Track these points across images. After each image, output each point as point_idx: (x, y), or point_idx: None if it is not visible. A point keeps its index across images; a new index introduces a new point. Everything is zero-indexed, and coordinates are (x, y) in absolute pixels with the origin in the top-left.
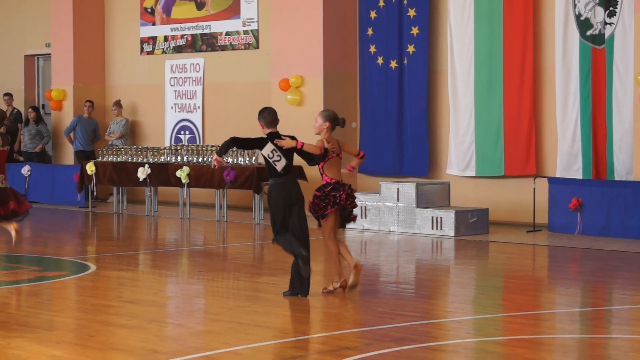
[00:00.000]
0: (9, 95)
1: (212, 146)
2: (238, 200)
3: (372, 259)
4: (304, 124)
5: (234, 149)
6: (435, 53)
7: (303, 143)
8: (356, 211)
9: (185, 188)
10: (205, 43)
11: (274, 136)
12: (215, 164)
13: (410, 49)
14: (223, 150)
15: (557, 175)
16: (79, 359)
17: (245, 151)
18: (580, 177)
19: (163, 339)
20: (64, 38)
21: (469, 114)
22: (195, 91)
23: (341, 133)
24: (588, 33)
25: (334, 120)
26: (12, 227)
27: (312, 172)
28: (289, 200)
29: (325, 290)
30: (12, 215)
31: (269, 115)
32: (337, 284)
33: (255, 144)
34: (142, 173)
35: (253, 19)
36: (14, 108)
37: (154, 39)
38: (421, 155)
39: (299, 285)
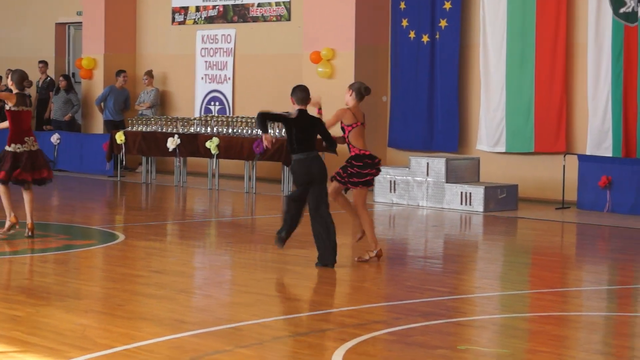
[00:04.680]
0: (43, 62)
1: (242, 117)
2: (267, 172)
3: (400, 233)
4: (334, 97)
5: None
6: (468, 28)
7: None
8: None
9: (215, 159)
10: (237, 14)
11: (303, 114)
12: (268, 144)
13: (443, 23)
14: (263, 127)
15: (587, 153)
16: (107, 327)
17: (275, 123)
18: (610, 155)
19: (191, 310)
20: (95, 6)
21: (500, 89)
22: (226, 62)
23: (372, 107)
24: (621, 11)
25: (357, 90)
26: (11, 219)
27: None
28: (309, 177)
29: (360, 259)
30: (41, 183)
31: (300, 93)
32: (372, 253)
33: (280, 119)
34: (172, 143)
35: None
36: (48, 76)
37: (186, 9)
38: (451, 130)
39: (328, 256)
